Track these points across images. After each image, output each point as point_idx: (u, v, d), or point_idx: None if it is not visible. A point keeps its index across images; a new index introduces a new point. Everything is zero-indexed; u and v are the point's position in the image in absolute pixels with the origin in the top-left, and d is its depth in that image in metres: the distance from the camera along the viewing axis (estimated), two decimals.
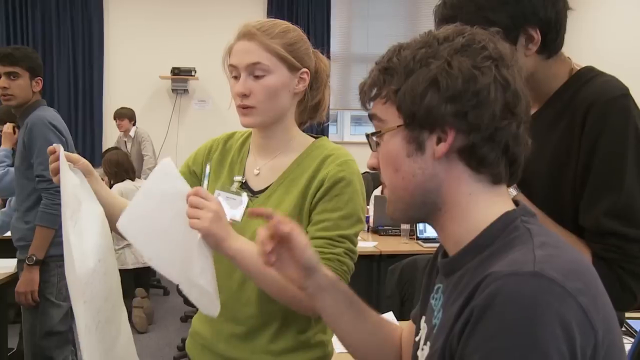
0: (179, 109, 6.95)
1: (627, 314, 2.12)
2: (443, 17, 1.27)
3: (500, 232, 0.86)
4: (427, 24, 7.03)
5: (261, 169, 1.47)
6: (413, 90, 0.86)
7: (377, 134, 0.93)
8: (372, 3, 7.08)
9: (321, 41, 6.92)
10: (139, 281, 4.90)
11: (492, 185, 0.89)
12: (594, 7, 5.13)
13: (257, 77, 1.38)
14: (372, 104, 0.93)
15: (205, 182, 1.43)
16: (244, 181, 1.47)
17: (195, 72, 6.71)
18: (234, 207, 1.44)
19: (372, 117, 0.94)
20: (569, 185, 1.27)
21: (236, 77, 1.39)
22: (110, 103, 6.74)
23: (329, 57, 6.21)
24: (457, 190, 0.89)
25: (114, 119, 6.22)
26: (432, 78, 0.85)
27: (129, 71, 6.86)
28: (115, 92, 6.86)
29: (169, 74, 6.73)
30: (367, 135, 0.95)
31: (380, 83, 0.91)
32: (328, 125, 7.08)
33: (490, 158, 0.86)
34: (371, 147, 0.96)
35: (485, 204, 0.89)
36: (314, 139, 1.49)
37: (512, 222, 0.87)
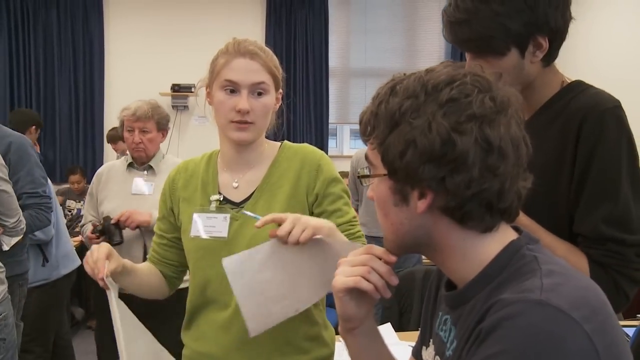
0: (179, 125, 6.97)
1: (621, 322, 2.15)
2: (455, 20, 1.27)
3: (508, 261, 0.87)
4: (424, 38, 7.04)
5: (239, 182, 1.51)
6: (394, 147, 0.86)
7: (368, 177, 0.95)
8: (370, 18, 7.13)
9: (319, 56, 6.95)
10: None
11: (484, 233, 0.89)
12: (589, 19, 5.19)
13: (258, 95, 1.44)
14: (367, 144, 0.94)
15: None
16: (221, 198, 1.50)
17: (195, 88, 6.73)
18: (218, 225, 1.46)
19: (366, 158, 0.95)
20: (562, 193, 1.29)
21: (233, 92, 1.44)
22: (111, 120, 6.74)
23: (327, 71, 6.18)
24: (448, 237, 0.89)
25: (108, 142, 6.15)
26: (411, 139, 0.84)
27: (130, 88, 6.86)
28: (116, 109, 6.75)
29: (169, 90, 6.75)
30: (359, 176, 0.97)
31: (371, 127, 0.91)
32: (328, 139, 7.12)
33: (474, 215, 0.86)
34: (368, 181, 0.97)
35: (483, 243, 0.89)
36: (279, 144, 1.56)
37: (518, 250, 0.88)
